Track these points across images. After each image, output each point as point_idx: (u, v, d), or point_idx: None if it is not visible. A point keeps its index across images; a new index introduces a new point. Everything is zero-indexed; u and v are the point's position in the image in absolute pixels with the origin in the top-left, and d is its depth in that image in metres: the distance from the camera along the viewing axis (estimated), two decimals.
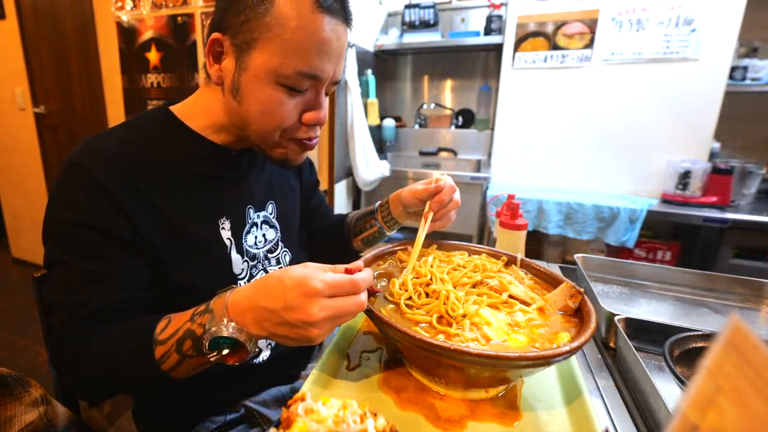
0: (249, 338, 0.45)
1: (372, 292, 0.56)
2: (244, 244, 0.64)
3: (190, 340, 0.46)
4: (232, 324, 0.44)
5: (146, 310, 0.55)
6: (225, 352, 0.46)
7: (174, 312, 0.52)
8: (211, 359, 0.46)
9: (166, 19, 2.12)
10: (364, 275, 0.46)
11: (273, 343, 0.68)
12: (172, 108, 0.62)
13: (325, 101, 0.58)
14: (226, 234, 0.61)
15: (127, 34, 2.22)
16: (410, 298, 0.54)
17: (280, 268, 0.69)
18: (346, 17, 0.55)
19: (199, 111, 0.61)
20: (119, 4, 2.20)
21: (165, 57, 2.16)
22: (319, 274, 0.43)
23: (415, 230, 0.67)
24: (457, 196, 0.69)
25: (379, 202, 0.79)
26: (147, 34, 2.18)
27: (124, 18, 2.20)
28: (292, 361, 0.73)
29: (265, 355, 0.67)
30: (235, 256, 0.62)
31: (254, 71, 0.53)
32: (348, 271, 0.46)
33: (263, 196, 0.69)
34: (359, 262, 0.49)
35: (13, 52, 2.48)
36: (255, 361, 0.66)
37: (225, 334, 0.44)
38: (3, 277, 2.73)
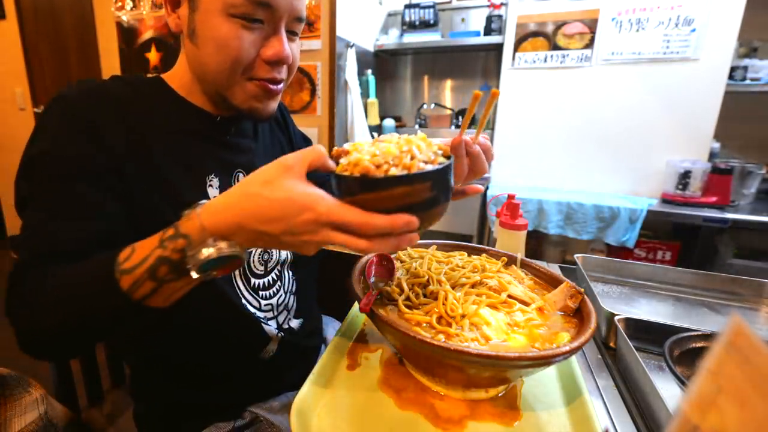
0: (243, 250, 0.42)
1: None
2: None
3: (167, 266, 0.41)
4: (224, 242, 0.40)
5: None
6: (215, 271, 0.42)
7: None
8: (198, 279, 0.42)
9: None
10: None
11: (282, 335, 0.65)
12: (163, 76, 0.62)
13: (289, 41, 0.55)
14: (213, 192, 0.59)
15: (127, 34, 2.22)
16: (408, 298, 0.54)
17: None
18: None
19: (178, 74, 0.61)
20: (119, 4, 2.20)
21: (165, 57, 2.16)
22: (327, 198, 0.38)
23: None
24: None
25: None
26: (147, 34, 2.18)
27: (124, 18, 2.20)
28: (300, 357, 0.71)
29: (273, 348, 0.65)
30: None
31: (205, 6, 0.51)
32: None
33: (256, 166, 0.68)
34: None
35: (13, 52, 2.48)
36: (262, 357, 0.64)
37: (217, 255, 0.40)
38: (3, 277, 2.73)
